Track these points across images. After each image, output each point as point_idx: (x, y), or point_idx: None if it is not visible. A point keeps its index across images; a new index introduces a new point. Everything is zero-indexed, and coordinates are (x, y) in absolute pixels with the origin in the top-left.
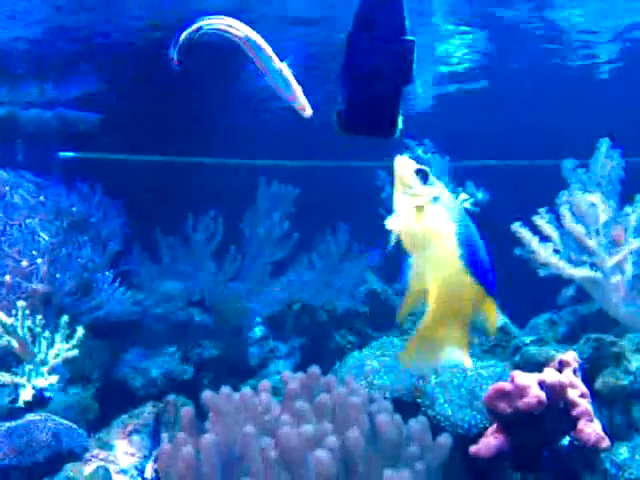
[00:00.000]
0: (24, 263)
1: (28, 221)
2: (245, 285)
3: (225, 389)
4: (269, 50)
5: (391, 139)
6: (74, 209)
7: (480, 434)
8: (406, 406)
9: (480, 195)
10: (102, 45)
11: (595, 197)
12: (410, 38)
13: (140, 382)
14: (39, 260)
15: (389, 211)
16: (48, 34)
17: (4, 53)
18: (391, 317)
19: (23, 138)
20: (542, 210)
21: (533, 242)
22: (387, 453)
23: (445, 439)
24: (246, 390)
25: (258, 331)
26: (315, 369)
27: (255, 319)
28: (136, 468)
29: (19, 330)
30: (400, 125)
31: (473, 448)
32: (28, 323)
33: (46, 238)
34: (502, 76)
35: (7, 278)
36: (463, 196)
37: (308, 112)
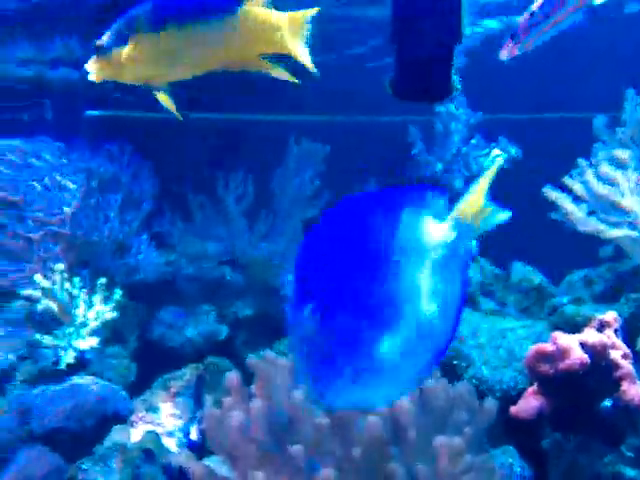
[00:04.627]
0: (54, 220)
1: (58, 177)
2: (277, 244)
3: (270, 354)
4: None
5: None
6: (102, 169)
7: (518, 395)
8: (442, 368)
9: (513, 151)
10: None
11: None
12: None
13: (176, 342)
14: (66, 209)
15: (419, 169)
16: None
17: (27, 7)
18: None
19: (52, 98)
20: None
21: (567, 204)
22: (435, 418)
23: (492, 404)
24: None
25: (290, 290)
26: None
27: (287, 278)
28: (181, 430)
29: (58, 293)
30: (457, 85)
31: (513, 409)
32: (67, 286)
33: (73, 187)
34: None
35: (36, 236)
36: (496, 152)
37: None
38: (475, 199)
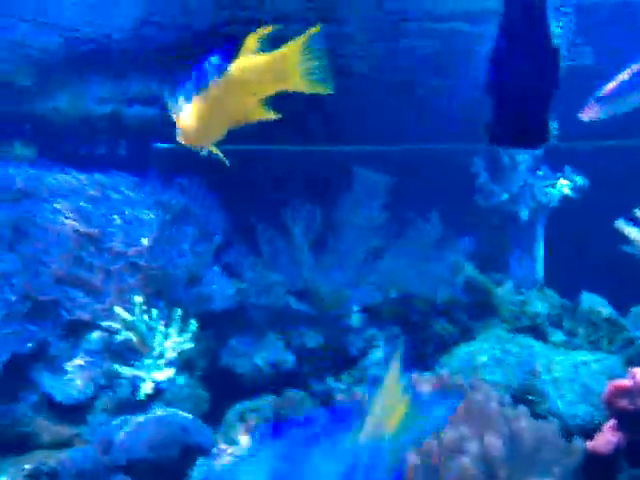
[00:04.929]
0: (132, 252)
1: (135, 211)
2: (343, 274)
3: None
4: None
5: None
6: (174, 202)
7: (594, 430)
8: (517, 402)
9: (579, 180)
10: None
11: None
12: (555, 45)
13: (245, 370)
14: (144, 241)
15: (485, 198)
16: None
17: (105, 47)
18: (490, 307)
19: (127, 135)
20: None
21: (638, 237)
22: (524, 457)
23: (579, 444)
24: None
25: (356, 320)
26: (444, 372)
27: (353, 307)
28: None
29: (137, 325)
30: (554, 132)
31: (590, 444)
32: (145, 318)
33: (150, 220)
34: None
35: (115, 268)
36: (562, 182)
37: None
38: (390, 410)
